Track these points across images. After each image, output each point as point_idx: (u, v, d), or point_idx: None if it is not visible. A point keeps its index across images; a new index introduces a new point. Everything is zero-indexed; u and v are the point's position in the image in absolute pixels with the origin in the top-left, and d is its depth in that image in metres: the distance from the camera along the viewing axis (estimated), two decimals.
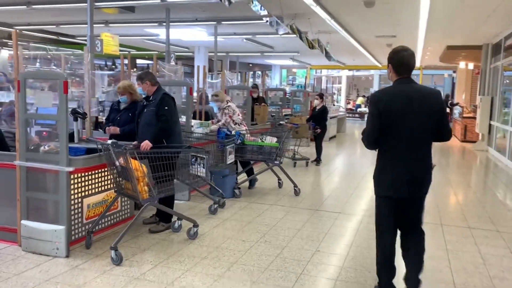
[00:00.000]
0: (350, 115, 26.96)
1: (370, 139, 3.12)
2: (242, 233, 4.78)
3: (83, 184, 4.30)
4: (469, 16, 9.53)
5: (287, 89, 14.11)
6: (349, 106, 29.18)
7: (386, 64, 3.18)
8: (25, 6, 8.90)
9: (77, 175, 4.20)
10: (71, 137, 5.29)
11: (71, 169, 3.92)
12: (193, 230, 4.53)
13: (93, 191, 4.45)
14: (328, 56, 13.16)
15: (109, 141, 3.84)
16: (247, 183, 6.86)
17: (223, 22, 10.42)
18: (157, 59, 6.93)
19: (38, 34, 14.70)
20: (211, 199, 5.51)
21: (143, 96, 4.80)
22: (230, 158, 5.45)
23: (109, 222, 4.69)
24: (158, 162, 4.35)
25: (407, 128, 3.00)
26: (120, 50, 18.58)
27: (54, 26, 11.77)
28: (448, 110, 17.76)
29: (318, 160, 9.48)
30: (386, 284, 3.23)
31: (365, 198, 6.60)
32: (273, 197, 6.41)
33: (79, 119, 5.33)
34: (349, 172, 8.89)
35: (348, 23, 10.92)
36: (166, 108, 4.56)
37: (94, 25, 11.65)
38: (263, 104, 9.34)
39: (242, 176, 6.97)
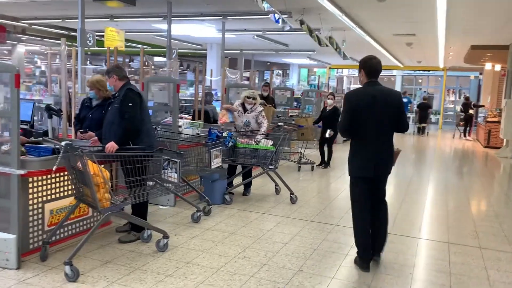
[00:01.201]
0: None
1: (342, 128, 3.85)
2: (221, 245, 4.31)
3: (44, 188, 3.92)
4: (492, 13, 8.82)
5: (296, 89, 13.48)
6: None
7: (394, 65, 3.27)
8: None
9: (37, 178, 3.82)
10: (45, 136, 4.95)
11: (22, 172, 3.52)
12: (163, 242, 4.08)
13: (58, 195, 4.08)
14: (341, 54, 12.55)
15: (63, 143, 3.42)
16: (241, 190, 6.40)
17: (229, 17, 9.97)
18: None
19: (48, 29, 14.58)
20: (194, 206, 5.06)
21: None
22: (216, 162, 4.99)
23: (77, 229, 4.30)
24: (127, 166, 3.94)
25: (373, 121, 3.68)
26: (134, 47, 18.42)
27: (60, 21, 11.56)
28: (472, 111, 16.85)
29: (326, 164, 8.95)
30: (365, 249, 3.86)
31: None
32: (267, 205, 5.93)
33: (54, 116, 4.98)
34: None
35: (363, 20, 10.32)
36: (130, 104, 4.11)
37: (99, 20, 11.48)
38: (269, 105, 8.84)
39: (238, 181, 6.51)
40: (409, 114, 20.61)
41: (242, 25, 11.72)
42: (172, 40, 15.44)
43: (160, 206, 5.57)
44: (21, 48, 19.81)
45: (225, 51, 18.02)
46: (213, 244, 4.35)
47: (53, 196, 4.03)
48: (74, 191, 3.86)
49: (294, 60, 23.47)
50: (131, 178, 3.88)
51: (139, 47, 18.55)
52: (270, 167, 5.91)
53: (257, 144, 5.91)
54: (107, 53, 6.17)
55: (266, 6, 7.97)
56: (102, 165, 4.01)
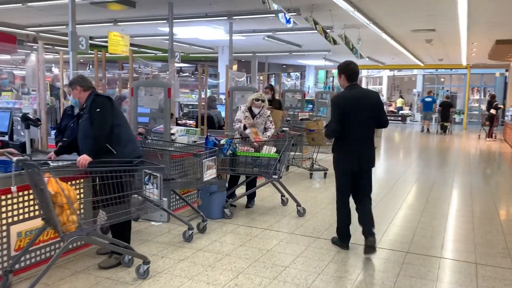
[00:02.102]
0: (392, 118, 25.33)
1: (335, 131, 4.14)
2: (211, 271, 3.79)
3: (9, 208, 3.48)
4: None
5: (312, 91, 12.78)
6: (391, 109, 27.45)
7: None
8: (20, 4, 8.35)
9: None
10: (23, 149, 4.53)
11: None
12: (143, 268, 3.59)
13: (27, 215, 3.63)
14: (355, 53, 11.91)
15: (15, 158, 2.96)
16: (244, 202, 5.87)
17: (235, 17, 9.48)
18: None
19: (57, 36, 14.38)
20: (185, 224, 4.56)
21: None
22: (209, 174, 4.48)
23: (50, 253, 3.84)
24: (100, 182, 3.47)
25: (358, 121, 4.06)
26: (146, 52, 18.12)
27: (64, 27, 11.28)
28: (493, 112, 15.97)
29: None
30: (346, 235, 4.39)
31: (386, 222, 5.42)
32: (270, 219, 5.38)
33: (31, 126, 4.55)
34: (377, 187, 7.65)
35: (377, 15, 9.68)
36: (98, 110, 3.64)
37: (102, 24, 11.16)
38: (276, 108, 8.30)
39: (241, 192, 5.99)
40: (434, 114, 20.07)
41: (250, 25, 11.23)
42: (182, 44, 15.19)
43: (153, 223, 5.09)
44: (34, 57, 19.84)
45: (237, 54, 17.67)
46: (203, 268, 3.83)
47: (22, 217, 3.59)
48: (42, 212, 3.40)
49: (310, 62, 22.84)
50: (105, 196, 3.41)
51: (152, 53, 18.27)
52: (274, 176, 5.36)
53: (259, 151, 5.37)
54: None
55: (275, 6, 7.47)
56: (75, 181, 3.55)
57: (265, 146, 5.41)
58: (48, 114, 5.84)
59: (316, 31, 9.61)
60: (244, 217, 5.43)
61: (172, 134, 5.18)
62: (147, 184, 3.67)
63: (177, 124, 8.32)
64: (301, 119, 8.48)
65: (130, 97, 5.22)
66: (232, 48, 14.92)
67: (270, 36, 12.28)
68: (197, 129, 5.63)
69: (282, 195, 6.00)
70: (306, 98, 16.96)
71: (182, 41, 14.22)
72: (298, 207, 5.53)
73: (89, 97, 3.75)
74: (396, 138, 17.68)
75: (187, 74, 23.21)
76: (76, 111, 4.39)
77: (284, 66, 26.07)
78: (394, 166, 10.03)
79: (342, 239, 4.41)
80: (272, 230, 4.95)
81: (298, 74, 26.87)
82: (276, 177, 5.37)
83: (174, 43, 14.38)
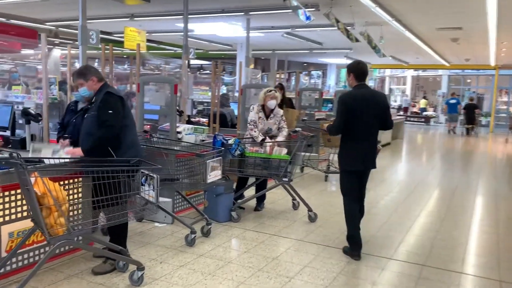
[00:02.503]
0: (415, 119, 24.68)
1: (338, 128, 4.16)
2: (210, 279, 3.56)
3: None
4: None
5: (332, 90, 12.37)
6: (415, 110, 26.75)
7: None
8: None
9: None
10: (23, 144, 4.39)
11: None
12: (137, 275, 3.37)
13: (19, 215, 3.47)
14: (378, 51, 11.50)
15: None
16: (253, 204, 5.62)
17: (251, 13, 9.21)
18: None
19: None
20: (187, 227, 4.33)
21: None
22: (213, 176, 4.24)
23: (41, 256, 3.67)
24: (99, 182, 3.28)
25: (365, 121, 4.04)
26: (165, 49, 18.03)
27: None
28: None
29: None
30: (354, 230, 4.18)
31: (403, 231, 5.09)
32: (280, 223, 5.11)
33: (33, 122, 4.41)
34: (396, 191, 7.32)
35: (400, 12, 9.28)
36: (110, 112, 3.46)
37: (119, 20, 11.05)
38: (288, 107, 8.02)
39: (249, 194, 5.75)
40: (459, 116, 19.60)
41: (268, 22, 10.94)
42: (200, 41, 15.01)
43: (156, 224, 4.89)
44: (56, 52, 20.01)
45: (256, 52, 17.39)
46: (202, 277, 3.60)
47: (13, 217, 3.42)
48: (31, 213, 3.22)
49: (331, 60, 22.38)
50: (98, 198, 3.21)
51: (171, 50, 18.15)
52: (284, 179, 5.09)
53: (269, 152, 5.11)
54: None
55: (294, 2, 7.18)
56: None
57: (276, 147, 5.15)
58: (56, 109, 5.70)
59: (336, 28, 9.28)
60: (252, 221, 5.18)
61: (178, 132, 4.97)
62: (144, 185, 3.46)
63: (189, 122, 8.13)
64: (318, 119, 8.17)
65: (136, 93, 5.03)
66: (250, 45, 14.66)
67: (289, 33, 11.98)
68: (205, 127, 5.40)
69: (294, 199, 5.72)
70: (326, 97, 16.62)
71: (200, 37, 14.03)
72: (309, 212, 5.24)
73: (100, 91, 3.57)
74: (419, 140, 17.14)
75: (208, 71, 23.09)
76: (80, 106, 4.20)
77: (305, 64, 25.68)
78: (416, 169, 9.61)
79: (352, 247, 4.20)
80: (280, 236, 4.69)
81: (320, 72, 26.46)
82: (287, 180, 5.10)
83: (192, 39, 14.29)
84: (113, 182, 3.25)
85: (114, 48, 6.59)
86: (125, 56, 19.86)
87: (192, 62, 25.65)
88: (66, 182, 3.60)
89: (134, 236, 4.48)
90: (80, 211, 3.69)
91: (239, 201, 5.52)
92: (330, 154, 8.11)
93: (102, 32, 14.21)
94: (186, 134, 5.08)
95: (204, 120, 8.58)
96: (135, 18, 10.52)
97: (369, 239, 4.64)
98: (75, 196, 3.75)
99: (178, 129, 4.98)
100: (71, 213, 3.56)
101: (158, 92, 4.99)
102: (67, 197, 3.12)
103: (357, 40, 9.79)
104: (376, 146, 4.26)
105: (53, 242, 2.91)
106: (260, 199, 5.66)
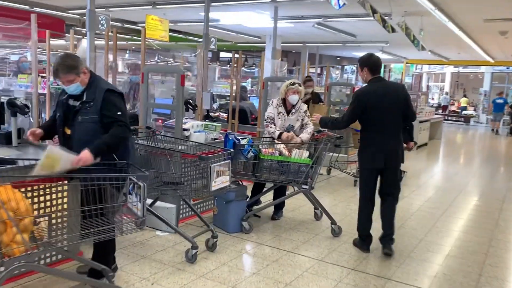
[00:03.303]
0: (453, 118, 23.34)
1: (345, 123, 4.12)
2: None
3: None
4: None
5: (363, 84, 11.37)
6: (453, 108, 25.35)
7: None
8: None
9: None
10: (8, 139, 3.89)
11: None
12: None
13: None
14: (417, 44, 10.55)
15: None
16: (270, 211, 4.98)
17: (279, 0, 8.51)
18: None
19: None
20: (188, 241, 3.73)
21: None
22: (220, 182, 3.62)
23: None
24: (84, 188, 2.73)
25: (384, 116, 3.94)
26: (193, 40, 17.55)
27: (104, 10, 10.81)
28: None
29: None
30: (366, 235, 4.12)
31: (440, 253, 4.34)
32: (298, 237, 4.45)
33: (19, 114, 3.90)
34: (433, 201, 6.50)
35: (445, 1, 8.36)
36: (119, 113, 2.96)
37: (140, 7, 10.57)
38: (320, 103, 7.33)
39: (265, 200, 5.11)
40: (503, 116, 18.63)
41: (298, 11, 10.20)
42: (227, 32, 14.38)
43: (158, 232, 4.32)
44: (85, 43, 19.87)
45: (286, 44, 16.65)
46: None
47: None
48: None
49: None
50: (74, 209, 2.66)
51: (199, 41, 17.63)
52: (304, 186, 4.42)
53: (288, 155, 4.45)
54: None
55: None
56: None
57: (296, 149, 4.48)
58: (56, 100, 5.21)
59: (372, 18, 8.47)
60: (266, 232, 4.54)
61: (186, 129, 4.37)
62: (131, 194, 2.88)
63: (208, 117, 7.55)
64: None
65: (140, 84, 4.47)
66: (278, 36, 13.91)
67: (321, 23, 11.18)
68: (217, 124, 4.78)
69: (315, 208, 5.04)
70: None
71: (227, 28, 13.42)
72: (332, 225, 4.55)
73: (91, 86, 3.00)
74: (458, 140, 16.01)
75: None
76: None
77: (338, 58, 24.73)
78: (456, 175, 8.71)
79: (362, 240, 4.16)
80: (297, 253, 4.03)
81: (354, 67, 25.43)
82: (307, 187, 4.42)
83: (218, 30, 13.70)
84: (97, 190, 2.69)
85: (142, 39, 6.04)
86: (154, 48, 19.54)
87: (222, 54, 25.20)
88: (38, 188, 3.06)
89: (130, 248, 3.93)
90: (56, 224, 3.14)
91: (254, 207, 4.91)
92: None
93: (127, 22, 13.88)
94: (194, 132, 4.48)
95: (225, 115, 7.99)
96: (158, 6, 9.99)
97: (403, 261, 3.92)
98: (50, 206, 3.21)
99: (185, 126, 4.38)
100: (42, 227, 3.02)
101: (165, 84, 4.40)
102: (32, 208, 2.58)
103: (393, 30, 8.92)
104: (400, 140, 4.04)
105: (7, 265, 2.36)
106: (278, 207, 5.02)
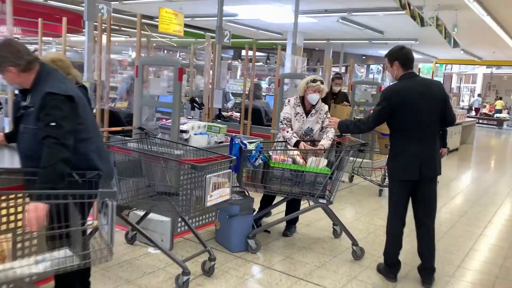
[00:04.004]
0: (485, 121, 22.17)
1: (370, 126, 3.52)
2: None
3: None
4: None
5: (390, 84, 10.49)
6: (485, 111, 24.12)
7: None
8: None
9: None
10: None
11: None
12: None
13: None
14: (451, 42, 9.73)
15: None
16: (281, 226, 4.35)
17: None
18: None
19: (126, 17, 13.73)
20: (180, 266, 3.14)
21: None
22: (217, 196, 3.01)
23: None
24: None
25: (419, 118, 3.30)
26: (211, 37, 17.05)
27: (117, 2, 10.37)
28: None
29: None
30: (394, 262, 3.48)
31: (490, 280, 3.63)
32: (312, 259, 3.81)
33: None
34: (470, 215, 5.75)
35: None
36: (53, 125, 2.22)
37: (155, 1, 10.06)
38: (344, 103, 6.63)
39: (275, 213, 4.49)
40: None
41: (321, 4, 9.52)
42: (246, 28, 13.78)
43: (150, 250, 3.75)
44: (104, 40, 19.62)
45: (309, 41, 15.95)
46: None
47: None
48: None
49: None
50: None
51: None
52: (321, 201, 3.77)
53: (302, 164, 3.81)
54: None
55: None
56: None
57: (312, 157, 3.83)
58: None
59: (401, 12, 7.75)
60: (275, 252, 3.91)
61: (184, 131, 3.77)
62: (100, 214, 2.31)
63: (220, 117, 6.97)
64: None
65: (135, 79, 3.90)
66: (300, 31, 13.25)
67: (345, 18, 10.47)
68: (222, 126, 4.17)
69: (334, 224, 4.39)
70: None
71: (246, 23, 12.83)
72: (353, 247, 3.89)
73: (38, 83, 2.36)
74: (492, 146, 15.00)
75: (261, 63, 21.98)
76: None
77: (363, 57, 23.84)
78: (492, 187, 7.88)
79: (388, 267, 3.53)
80: (309, 281, 3.39)
81: (380, 67, 24.51)
82: (325, 201, 3.77)
83: (237, 25, 13.12)
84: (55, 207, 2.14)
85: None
86: (174, 45, 19.14)
87: (244, 53, 24.75)
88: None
89: (114, 269, 3.37)
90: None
91: (263, 220, 4.30)
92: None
93: (144, 17, 13.44)
94: (195, 134, 3.89)
95: (238, 115, 7.40)
96: (172, 0, 9.47)
97: None
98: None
99: (184, 127, 3.79)
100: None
101: (160, 78, 3.83)
102: None
103: (422, 24, 8.14)
104: (437, 148, 3.44)
105: None
106: (291, 222, 4.38)
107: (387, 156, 3.56)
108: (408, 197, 3.40)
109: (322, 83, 4.13)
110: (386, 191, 6.30)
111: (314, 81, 4.11)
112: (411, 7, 7.86)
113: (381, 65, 23.08)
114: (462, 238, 4.67)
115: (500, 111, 23.24)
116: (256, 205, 4.25)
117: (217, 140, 4.08)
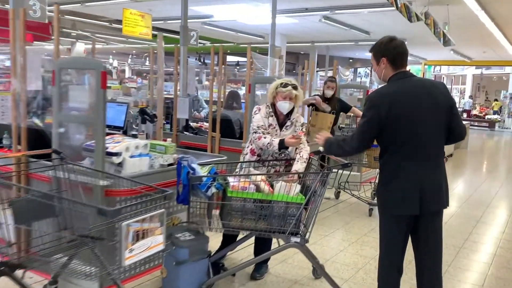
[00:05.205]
0: (476, 123, 21.58)
1: (360, 145, 2.62)
2: None
3: None
4: None
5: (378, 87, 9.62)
6: (475, 112, 23.56)
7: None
8: None
9: None
10: None
11: None
12: None
13: None
14: (441, 40, 8.97)
15: None
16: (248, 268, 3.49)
17: None
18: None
19: (96, 21, 12.90)
20: None
21: None
22: (142, 249, 2.12)
23: None
24: None
25: (419, 131, 2.47)
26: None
27: (79, 5, 9.49)
28: None
29: None
30: None
31: None
32: None
33: None
34: (470, 247, 4.95)
35: None
36: None
37: (117, 0, 9.20)
38: (328, 111, 5.84)
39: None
40: None
41: (301, 2, 8.73)
42: (224, 31, 12.95)
43: None
44: (80, 47, 18.66)
45: (292, 44, 15.16)
46: None
47: None
48: None
49: None
50: None
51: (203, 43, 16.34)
52: (294, 239, 2.93)
53: (267, 192, 2.97)
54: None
55: None
56: None
57: (280, 182, 3.00)
58: None
59: (387, 8, 7.00)
60: None
61: (115, 154, 2.90)
62: None
63: (187, 129, 6.12)
64: None
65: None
66: (280, 33, 12.52)
67: (328, 17, 9.70)
68: (170, 145, 3.31)
69: (315, 259, 3.53)
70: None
71: (224, 26, 12.03)
72: None
73: None
74: (488, 150, 14.31)
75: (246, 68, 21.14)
76: None
77: (350, 60, 23.17)
78: (499, 202, 7.11)
79: None
80: None
81: (368, 70, 23.88)
82: (298, 240, 2.93)
83: (213, 28, 12.28)
84: None
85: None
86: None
87: (229, 58, 23.82)
88: None
89: None
90: None
91: (225, 259, 3.46)
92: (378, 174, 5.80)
93: (118, 22, 12.58)
94: (131, 157, 3.03)
95: (207, 125, 6.53)
96: (138, 1, 8.61)
97: None
98: None
99: (115, 149, 2.92)
100: None
101: (81, 86, 2.97)
102: None
103: (410, 19, 7.39)
104: (443, 170, 2.59)
105: None
106: (260, 264, 3.53)
107: (378, 180, 2.74)
108: (406, 236, 2.57)
109: (295, 88, 3.30)
110: (376, 209, 5.50)
111: (284, 85, 3.29)
112: (398, 3, 7.11)
113: (369, 67, 22.43)
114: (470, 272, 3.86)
115: (497, 112, 22.85)
116: (216, 242, 3.40)
117: (163, 162, 3.22)
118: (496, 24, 9.88)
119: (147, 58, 27.35)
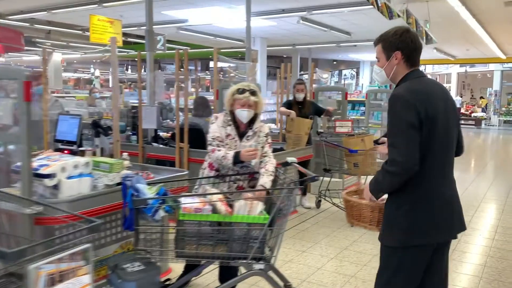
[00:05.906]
0: (462, 121, 21.49)
1: (412, 164, 1.97)
2: None
3: None
4: None
5: (367, 90, 9.16)
6: (462, 111, 23.48)
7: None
8: None
9: None
10: None
11: None
12: None
13: None
14: (423, 39, 8.70)
15: None
16: None
17: None
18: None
19: (70, 30, 12.49)
20: None
21: None
22: None
23: None
24: None
25: (442, 140, 2.08)
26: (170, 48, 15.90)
27: (46, 12, 9.06)
28: None
29: None
30: None
31: None
32: None
33: None
34: (458, 241, 4.63)
35: None
36: None
37: (86, 7, 8.81)
38: (304, 116, 5.51)
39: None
40: None
41: (277, 3, 8.41)
42: (203, 36, 12.62)
43: None
44: (57, 57, 18.14)
45: (273, 48, 14.86)
46: None
47: None
48: None
49: (364, 56, 19.59)
50: None
51: (182, 49, 16.06)
52: (257, 266, 2.56)
53: (225, 212, 2.60)
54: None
55: None
56: None
57: (240, 201, 2.63)
58: None
59: (366, 7, 6.71)
60: None
61: (48, 176, 2.52)
62: None
63: (157, 139, 5.75)
64: (339, 133, 5.60)
65: None
66: (259, 36, 12.28)
67: (306, 18, 9.39)
68: (119, 161, 2.93)
69: (286, 283, 3.17)
70: (357, 98, 13.87)
71: (200, 30, 11.69)
72: None
73: None
74: (479, 148, 14.09)
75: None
76: None
77: (334, 62, 22.97)
78: (501, 206, 6.82)
79: None
80: None
81: (354, 72, 23.68)
82: (262, 267, 2.57)
83: (190, 33, 11.92)
84: None
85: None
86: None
87: (220, 64, 23.52)
88: None
89: None
90: None
91: (190, 285, 3.08)
92: (362, 179, 5.45)
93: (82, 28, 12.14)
94: (69, 178, 2.64)
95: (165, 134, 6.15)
96: (104, 4, 8.22)
97: None
98: None
99: (47, 170, 2.54)
100: None
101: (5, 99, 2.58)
102: None
103: (390, 16, 7.11)
104: (455, 185, 2.23)
105: None
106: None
107: (390, 205, 2.15)
108: (422, 269, 2.13)
109: (253, 93, 2.94)
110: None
111: (241, 91, 2.93)
112: (379, 2, 6.83)
113: (354, 69, 22.21)
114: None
115: (484, 110, 22.85)
116: (180, 266, 3.02)
117: (108, 182, 2.83)
118: (477, 20, 9.66)
119: (129, 67, 26.94)
